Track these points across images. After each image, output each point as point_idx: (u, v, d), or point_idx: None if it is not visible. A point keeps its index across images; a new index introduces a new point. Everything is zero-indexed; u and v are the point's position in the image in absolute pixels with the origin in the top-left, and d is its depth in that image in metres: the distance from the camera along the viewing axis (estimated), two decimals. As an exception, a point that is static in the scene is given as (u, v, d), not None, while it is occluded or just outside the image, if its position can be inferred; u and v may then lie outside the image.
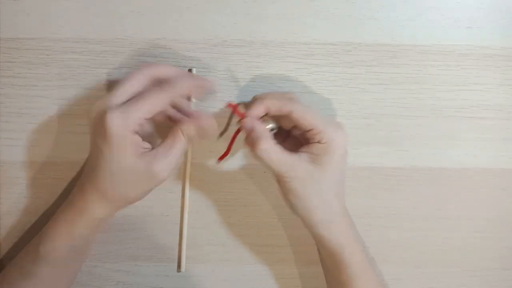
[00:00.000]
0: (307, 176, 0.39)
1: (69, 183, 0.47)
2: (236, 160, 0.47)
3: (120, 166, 0.38)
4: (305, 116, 0.39)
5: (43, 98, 0.46)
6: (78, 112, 0.46)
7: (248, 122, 0.40)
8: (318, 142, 0.39)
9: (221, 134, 0.46)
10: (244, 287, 0.48)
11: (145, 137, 0.39)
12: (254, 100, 0.42)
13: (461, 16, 0.46)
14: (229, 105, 0.43)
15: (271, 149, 0.39)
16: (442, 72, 0.47)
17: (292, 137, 0.43)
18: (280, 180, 0.40)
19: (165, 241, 0.48)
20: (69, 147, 0.46)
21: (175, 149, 0.39)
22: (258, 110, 0.40)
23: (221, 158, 0.44)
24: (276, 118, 0.42)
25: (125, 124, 0.37)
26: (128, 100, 0.38)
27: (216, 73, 0.46)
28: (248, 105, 0.42)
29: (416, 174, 0.47)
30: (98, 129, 0.37)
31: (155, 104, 0.38)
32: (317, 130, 0.39)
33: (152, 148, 0.39)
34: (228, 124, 0.46)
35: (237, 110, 0.42)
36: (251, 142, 0.39)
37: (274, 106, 0.40)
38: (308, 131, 0.39)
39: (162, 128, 0.43)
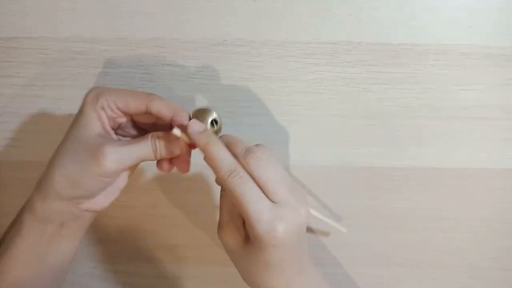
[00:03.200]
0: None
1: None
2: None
3: (75, 139, 0.36)
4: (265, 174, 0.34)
5: (42, 98, 0.46)
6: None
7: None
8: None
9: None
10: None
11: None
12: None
13: (461, 16, 0.46)
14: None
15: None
16: (442, 72, 0.47)
17: None
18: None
19: (165, 242, 0.48)
20: (68, 147, 0.46)
21: (135, 146, 0.36)
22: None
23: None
24: None
25: (96, 98, 0.36)
26: None
27: (216, 73, 0.46)
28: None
29: (416, 174, 0.47)
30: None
31: (133, 95, 0.37)
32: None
33: None
34: None
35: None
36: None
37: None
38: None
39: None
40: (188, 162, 0.39)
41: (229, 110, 0.46)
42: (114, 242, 0.47)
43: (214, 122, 0.37)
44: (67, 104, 0.46)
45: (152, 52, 0.46)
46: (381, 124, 0.47)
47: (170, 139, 0.36)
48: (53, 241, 0.39)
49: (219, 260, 0.48)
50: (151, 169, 0.46)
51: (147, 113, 0.37)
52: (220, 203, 0.37)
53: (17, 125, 0.46)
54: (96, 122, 0.36)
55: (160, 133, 0.36)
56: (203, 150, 0.35)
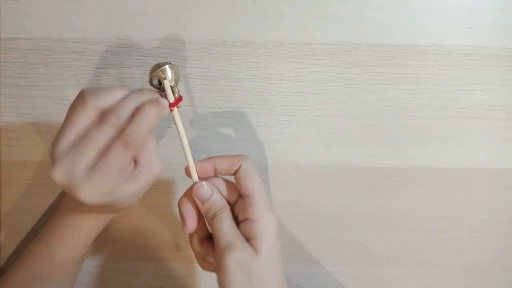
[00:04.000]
0: (245, 262, 0.35)
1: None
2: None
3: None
4: (250, 177, 0.37)
5: (43, 98, 0.46)
6: (78, 112, 0.46)
7: (204, 189, 0.37)
8: (249, 218, 0.36)
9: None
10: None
11: None
12: (202, 160, 0.39)
13: (461, 16, 0.46)
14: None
15: (227, 219, 0.36)
16: (442, 72, 0.47)
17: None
18: (219, 259, 0.36)
19: (166, 241, 0.48)
20: (69, 147, 0.46)
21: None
22: (208, 167, 0.38)
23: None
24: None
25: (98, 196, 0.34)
26: (93, 167, 0.33)
27: (216, 73, 0.46)
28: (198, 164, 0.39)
29: (416, 174, 0.47)
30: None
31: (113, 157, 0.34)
32: (251, 200, 0.36)
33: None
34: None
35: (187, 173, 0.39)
36: (209, 211, 0.37)
37: (223, 164, 0.38)
38: (244, 199, 0.37)
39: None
40: None
41: (229, 111, 0.46)
42: (114, 241, 0.47)
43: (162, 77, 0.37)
44: (68, 104, 0.46)
45: (153, 53, 0.46)
46: (381, 124, 0.47)
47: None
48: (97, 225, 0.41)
49: (219, 260, 0.48)
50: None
51: None
52: (225, 228, 0.37)
53: (17, 125, 0.46)
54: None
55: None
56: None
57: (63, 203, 0.43)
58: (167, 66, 0.37)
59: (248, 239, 0.36)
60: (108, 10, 0.46)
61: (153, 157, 0.36)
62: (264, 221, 0.36)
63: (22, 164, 0.46)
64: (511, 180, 0.48)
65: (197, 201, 0.37)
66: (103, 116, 0.34)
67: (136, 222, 0.47)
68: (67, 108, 0.46)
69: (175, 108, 0.37)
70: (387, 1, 0.46)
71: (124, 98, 0.35)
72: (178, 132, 0.37)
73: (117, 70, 0.46)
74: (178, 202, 0.38)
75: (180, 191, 0.47)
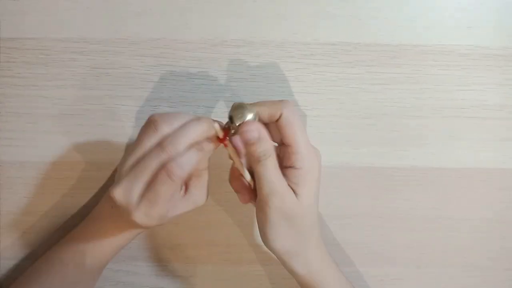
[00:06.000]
0: (288, 210, 0.36)
1: (69, 183, 0.47)
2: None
3: None
4: (291, 126, 0.36)
5: (43, 98, 0.46)
6: (78, 112, 0.46)
7: (254, 133, 0.35)
8: (292, 166, 0.36)
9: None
10: (244, 287, 0.48)
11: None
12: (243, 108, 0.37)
13: (461, 16, 0.46)
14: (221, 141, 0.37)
15: (271, 164, 0.36)
16: (442, 72, 0.47)
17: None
18: (261, 204, 0.37)
19: (165, 241, 0.48)
20: (69, 147, 0.46)
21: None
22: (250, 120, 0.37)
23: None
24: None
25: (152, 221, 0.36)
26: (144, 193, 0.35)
27: (216, 73, 0.46)
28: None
29: (416, 174, 0.47)
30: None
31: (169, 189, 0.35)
32: (295, 149, 0.36)
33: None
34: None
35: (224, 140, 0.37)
36: (254, 155, 0.36)
37: (264, 112, 0.36)
38: (287, 147, 0.36)
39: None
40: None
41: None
42: (114, 242, 0.47)
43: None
44: (67, 104, 0.46)
45: (153, 52, 0.46)
46: (381, 124, 0.47)
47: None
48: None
49: (220, 259, 0.48)
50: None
51: None
52: (271, 175, 0.36)
53: (17, 125, 0.46)
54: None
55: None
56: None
57: (98, 209, 0.43)
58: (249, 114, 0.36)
59: (290, 185, 0.36)
60: (108, 10, 0.46)
61: (203, 188, 0.39)
62: (307, 169, 0.36)
63: (22, 164, 0.46)
64: (511, 180, 0.48)
65: (239, 145, 0.36)
66: (162, 142, 0.35)
67: (136, 222, 0.47)
68: (66, 108, 0.46)
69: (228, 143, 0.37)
70: (387, 1, 0.46)
71: (184, 127, 0.35)
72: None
73: (117, 71, 0.46)
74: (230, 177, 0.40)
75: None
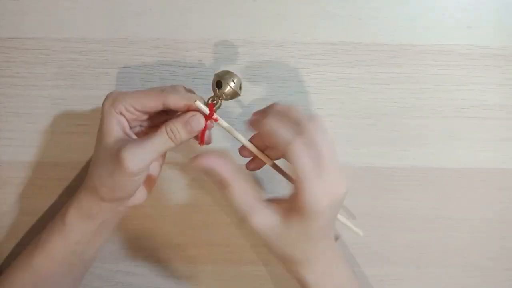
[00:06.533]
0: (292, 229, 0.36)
1: (69, 183, 0.47)
2: (236, 160, 0.47)
3: (101, 147, 0.38)
4: (292, 166, 0.35)
5: (43, 98, 0.46)
6: (78, 112, 0.46)
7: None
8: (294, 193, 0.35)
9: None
10: (244, 287, 0.48)
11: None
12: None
13: (461, 16, 0.46)
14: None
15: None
16: (442, 72, 0.47)
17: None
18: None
19: (165, 241, 0.48)
20: (68, 147, 0.46)
21: (151, 141, 0.36)
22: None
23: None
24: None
25: (113, 104, 0.37)
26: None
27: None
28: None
29: (416, 174, 0.47)
30: None
31: (147, 96, 0.37)
32: (296, 189, 0.35)
33: None
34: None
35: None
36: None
37: (277, 153, 0.39)
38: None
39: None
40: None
41: (230, 110, 0.46)
42: (113, 242, 0.47)
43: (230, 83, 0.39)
44: (67, 104, 0.46)
45: (152, 52, 0.46)
46: (381, 124, 0.47)
47: (184, 121, 0.37)
48: (93, 239, 0.41)
49: (220, 259, 0.48)
50: (151, 169, 0.46)
51: (165, 108, 0.38)
52: (233, 200, 0.36)
53: (17, 125, 0.46)
54: (116, 127, 0.38)
55: (173, 120, 0.37)
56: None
57: (73, 201, 0.41)
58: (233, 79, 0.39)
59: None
60: (108, 10, 0.46)
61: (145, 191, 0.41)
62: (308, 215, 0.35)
63: (22, 164, 0.46)
64: (511, 180, 0.48)
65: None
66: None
67: (136, 222, 0.47)
68: (67, 108, 0.46)
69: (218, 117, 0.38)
70: (387, 1, 0.46)
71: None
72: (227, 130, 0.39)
73: (117, 70, 0.46)
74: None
75: (180, 190, 0.47)
